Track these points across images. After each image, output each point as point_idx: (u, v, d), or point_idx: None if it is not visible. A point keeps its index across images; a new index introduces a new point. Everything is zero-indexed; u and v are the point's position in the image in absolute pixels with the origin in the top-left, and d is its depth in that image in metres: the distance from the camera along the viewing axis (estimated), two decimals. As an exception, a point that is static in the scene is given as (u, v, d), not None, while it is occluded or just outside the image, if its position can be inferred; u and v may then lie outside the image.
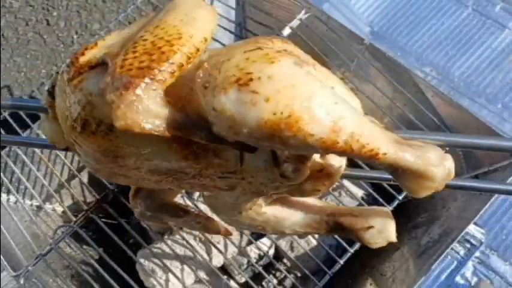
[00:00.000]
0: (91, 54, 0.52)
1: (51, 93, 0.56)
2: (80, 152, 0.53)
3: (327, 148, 0.42)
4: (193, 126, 0.46)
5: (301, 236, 0.96)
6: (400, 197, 0.94)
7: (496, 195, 1.03)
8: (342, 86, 0.50)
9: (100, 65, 0.50)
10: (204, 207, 0.97)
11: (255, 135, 0.42)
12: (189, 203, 1.00)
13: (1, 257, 0.93)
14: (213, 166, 0.52)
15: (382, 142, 0.44)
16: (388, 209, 0.74)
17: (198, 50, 0.48)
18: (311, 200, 0.69)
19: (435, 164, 0.45)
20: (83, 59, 0.52)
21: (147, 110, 0.44)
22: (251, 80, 0.41)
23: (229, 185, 0.57)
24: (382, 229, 0.67)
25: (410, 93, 1.00)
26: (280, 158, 0.51)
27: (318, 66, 0.49)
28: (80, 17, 1.96)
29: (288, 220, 0.67)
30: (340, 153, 0.43)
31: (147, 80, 0.44)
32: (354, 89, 1.14)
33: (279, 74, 0.41)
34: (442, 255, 0.86)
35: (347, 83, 1.14)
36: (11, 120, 1.08)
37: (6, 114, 1.09)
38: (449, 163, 0.46)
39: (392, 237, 0.62)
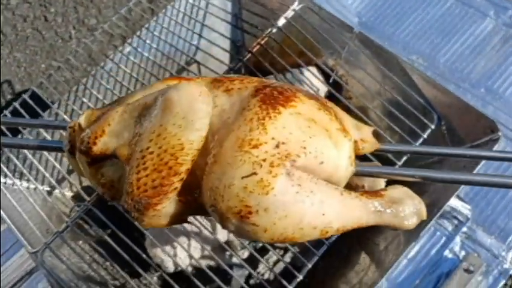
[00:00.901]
0: (101, 144, 0.62)
1: (71, 152, 0.67)
2: None
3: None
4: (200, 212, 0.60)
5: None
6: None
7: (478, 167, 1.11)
8: (331, 149, 0.57)
9: (114, 156, 0.62)
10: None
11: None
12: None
13: (19, 235, 0.99)
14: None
15: (362, 221, 0.56)
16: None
17: (199, 150, 0.57)
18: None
19: (408, 217, 0.58)
20: (95, 149, 0.62)
21: (165, 215, 0.57)
22: (250, 213, 0.52)
23: None
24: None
25: (398, 76, 1.07)
26: None
27: (310, 139, 0.56)
28: (77, 12, 2.01)
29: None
30: None
31: (160, 197, 0.56)
32: (346, 75, 1.22)
33: (272, 206, 0.52)
34: (429, 224, 0.94)
35: (339, 69, 1.22)
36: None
37: (16, 104, 1.15)
38: (421, 210, 0.59)
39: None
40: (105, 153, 0.61)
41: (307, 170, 0.54)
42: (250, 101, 0.56)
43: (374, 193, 0.60)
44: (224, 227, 0.55)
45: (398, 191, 0.60)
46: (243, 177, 0.52)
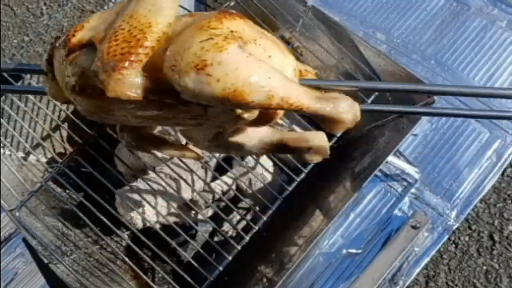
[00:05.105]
0: (80, 35, 0.69)
1: (50, 62, 0.73)
2: (79, 107, 0.73)
3: (265, 108, 0.61)
4: (165, 92, 0.65)
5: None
6: (338, 134, 1.12)
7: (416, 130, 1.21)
8: (279, 52, 0.66)
9: (89, 45, 0.68)
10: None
11: (212, 103, 0.61)
12: (172, 132, 1.17)
13: (-3, 195, 1.07)
14: (183, 112, 0.71)
15: (304, 101, 0.62)
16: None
17: (164, 33, 0.65)
18: (264, 128, 0.86)
19: (345, 111, 0.64)
20: (74, 40, 0.69)
21: (130, 83, 0.62)
22: (205, 65, 0.58)
23: (198, 123, 0.75)
24: (318, 149, 0.83)
25: (347, 47, 1.17)
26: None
27: (260, 39, 0.65)
28: (47, -12, 2.05)
29: (247, 144, 0.83)
30: (276, 109, 0.64)
31: (127, 63, 0.62)
32: (301, 47, 1.31)
33: (225, 60, 0.58)
34: (371, 177, 1.04)
35: (295, 41, 1.30)
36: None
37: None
38: (355, 108, 0.66)
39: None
40: (82, 43, 0.68)
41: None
42: (211, 13, 0.66)
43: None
44: (183, 86, 0.60)
45: (337, 93, 0.66)
46: (201, 41, 0.60)
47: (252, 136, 0.84)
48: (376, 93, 1.11)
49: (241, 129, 0.83)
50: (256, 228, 1.04)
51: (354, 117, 0.66)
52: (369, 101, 1.11)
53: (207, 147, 0.85)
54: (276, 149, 0.84)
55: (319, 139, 0.84)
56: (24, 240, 1.32)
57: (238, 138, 0.84)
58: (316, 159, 0.84)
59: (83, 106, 0.71)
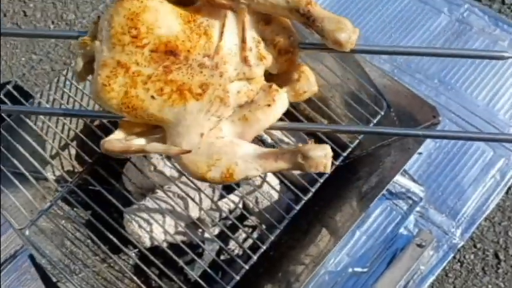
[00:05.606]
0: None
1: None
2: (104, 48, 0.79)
3: None
4: None
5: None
6: (345, 154, 1.13)
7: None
8: None
9: None
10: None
11: None
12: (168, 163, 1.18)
13: (4, 213, 1.08)
14: (199, 48, 0.77)
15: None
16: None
17: None
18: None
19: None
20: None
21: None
22: None
23: (203, 84, 0.77)
24: (319, 157, 0.78)
25: (352, 68, 1.19)
26: (247, 46, 0.77)
27: None
28: (55, 8, 2.08)
29: (242, 149, 0.79)
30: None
31: None
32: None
33: None
34: (378, 197, 1.04)
35: (300, 61, 1.32)
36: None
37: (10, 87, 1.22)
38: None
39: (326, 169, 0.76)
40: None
41: None
42: None
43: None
44: None
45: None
46: None
47: (249, 144, 0.82)
48: (382, 113, 1.13)
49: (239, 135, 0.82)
50: (264, 248, 1.04)
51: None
52: (375, 121, 1.13)
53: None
54: (272, 161, 0.80)
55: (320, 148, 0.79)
56: (31, 257, 1.32)
57: (233, 139, 0.81)
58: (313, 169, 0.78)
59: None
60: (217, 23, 0.78)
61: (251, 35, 0.79)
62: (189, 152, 0.78)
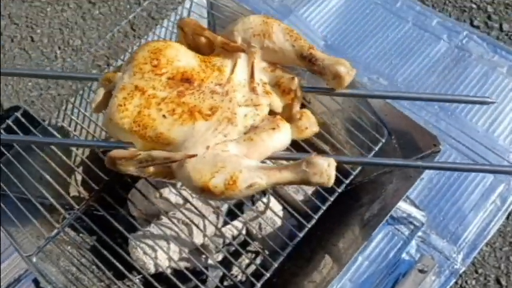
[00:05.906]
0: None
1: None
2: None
3: None
4: None
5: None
6: (347, 181, 1.14)
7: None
8: None
9: None
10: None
11: None
12: (173, 190, 1.20)
13: (13, 240, 1.10)
14: (212, 78, 0.85)
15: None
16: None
17: None
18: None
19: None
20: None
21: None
22: None
23: (213, 107, 0.83)
24: (323, 164, 0.80)
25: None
26: (255, 80, 0.86)
27: None
28: (62, 33, 2.12)
29: (246, 161, 0.81)
30: None
31: None
32: (309, 94, 1.36)
33: None
34: (380, 224, 1.06)
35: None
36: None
37: (9, 121, 1.25)
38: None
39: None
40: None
41: None
42: None
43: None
44: None
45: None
46: None
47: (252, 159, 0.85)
48: (383, 141, 1.14)
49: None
50: (268, 275, 1.05)
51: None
52: (376, 148, 1.15)
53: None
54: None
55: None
56: (35, 282, 1.33)
57: (238, 153, 0.84)
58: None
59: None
60: (229, 62, 0.87)
61: (259, 76, 0.86)
62: (194, 156, 0.80)
